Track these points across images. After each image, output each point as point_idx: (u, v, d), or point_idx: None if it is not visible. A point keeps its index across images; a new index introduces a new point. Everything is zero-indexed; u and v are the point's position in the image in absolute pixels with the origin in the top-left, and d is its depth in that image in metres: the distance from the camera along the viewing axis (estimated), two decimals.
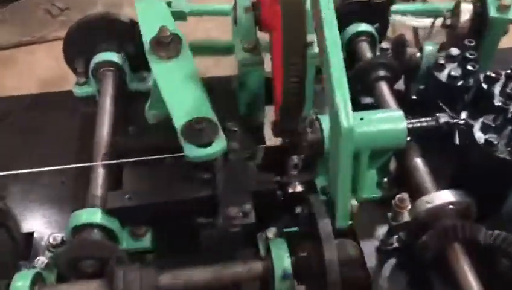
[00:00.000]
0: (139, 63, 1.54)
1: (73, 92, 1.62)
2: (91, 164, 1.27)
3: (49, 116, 1.63)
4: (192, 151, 1.12)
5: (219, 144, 1.14)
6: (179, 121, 1.18)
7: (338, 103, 1.00)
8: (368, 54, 1.54)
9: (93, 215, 1.16)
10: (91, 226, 1.16)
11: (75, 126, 1.59)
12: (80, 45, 1.59)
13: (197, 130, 1.13)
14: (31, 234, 1.31)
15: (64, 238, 1.20)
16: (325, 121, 1.22)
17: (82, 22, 1.58)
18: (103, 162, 1.27)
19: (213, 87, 1.33)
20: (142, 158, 1.22)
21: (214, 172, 1.16)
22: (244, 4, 1.31)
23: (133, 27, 1.54)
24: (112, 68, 1.57)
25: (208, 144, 1.14)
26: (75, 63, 1.63)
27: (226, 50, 1.61)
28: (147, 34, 1.35)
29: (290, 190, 1.16)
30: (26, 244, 1.27)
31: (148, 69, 1.40)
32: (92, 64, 1.56)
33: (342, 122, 1.00)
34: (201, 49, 1.65)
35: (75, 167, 1.42)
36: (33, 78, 3.09)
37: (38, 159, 1.50)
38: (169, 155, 1.21)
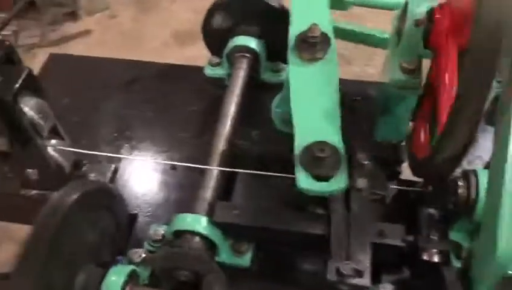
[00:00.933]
0: (278, 53, 1.40)
1: (204, 72, 1.53)
2: (204, 167, 1.18)
3: (176, 90, 1.56)
4: (305, 182, 0.96)
5: (339, 182, 0.97)
6: (300, 140, 1.02)
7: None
8: None
9: (198, 223, 1.07)
10: (194, 233, 1.08)
11: (200, 106, 1.51)
12: (220, 22, 1.49)
13: (317, 158, 0.97)
14: (135, 216, 1.26)
15: (165, 235, 1.14)
16: (483, 177, 1.00)
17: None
18: (218, 168, 1.17)
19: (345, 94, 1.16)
20: (259, 172, 1.10)
21: (329, 209, 1.01)
22: (416, 16, 1.10)
23: (282, 14, 1.40)
24: (248, 54, 1.45)
25: (326, 178, 0.98)
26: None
27: (380, 41, 1.41)
28: (296, 27, 1.19)
29: (425, 257, 0.96)
30: (129, 228, 1.22)
31: (286, 61, 1.26)
32: (228, 47, 1.46)
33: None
34: (348, 34, 1.46)
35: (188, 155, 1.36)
36: (169, 27, 3.12)
37: (155, 132, 1.45)
38: (287, 175, 1.07)
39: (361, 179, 1.01)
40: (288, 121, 1.16)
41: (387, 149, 1.19)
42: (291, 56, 1.19)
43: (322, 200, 1.02)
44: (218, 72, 1.52)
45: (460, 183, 1.02)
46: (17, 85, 1.10)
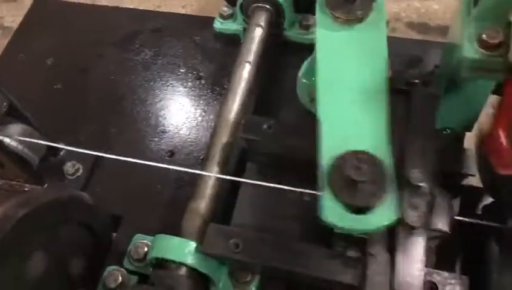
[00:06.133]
0: (309, 2, 1.05)
1: (213, 26, 1.21)
2: (193, 171, 0.89)
3: (178, 49, 1.25)
4: (333, 213, 0.67)
5: (384, 216, 0.67)
6: (327, 147, 0.72)
7: None
8: None
9: (183, 251, 0.80)
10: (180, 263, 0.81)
11: (207, 71, 1.19)
12: None
13: (352, 180, 0.66)
14: (118, 219, 1.01)
15: (147, 255, 0.89)
16: None
17: None
18: (215, 175, 0.87)
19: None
20: (269, 184, 0.80)
21: (365, 251, 0.71)
22: None
23: None
24: (267, 5, 1.11)
25: (365, 208, 0.68)
26: None
27: None
28: None
29: None
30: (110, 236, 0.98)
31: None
32: None
33: None
34: None
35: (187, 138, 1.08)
36: None
37: (150, 109, 1.16)
38: (312, 192, 0.77)
39: (414, 210, 0.70)
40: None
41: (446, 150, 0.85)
42: (319, 14, 0.86)
43: (358, 238, 0.72)
44: (231, 26, 1.19)
45: None
46: None
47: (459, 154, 0.84)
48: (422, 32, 1.97)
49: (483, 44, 0.74)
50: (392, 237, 0.70)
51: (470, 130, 0.97)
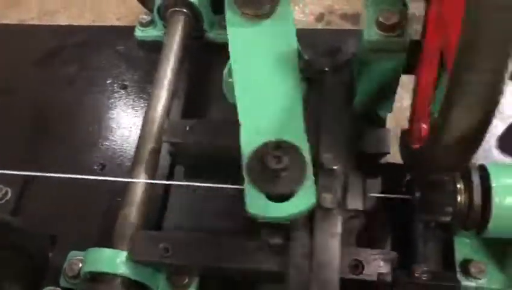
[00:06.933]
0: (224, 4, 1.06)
1: (135, 34, 1.20)
2: (121, 179, 0.88)
3: (100, 60, 1.24)
4: (256, 205, 0.69)
5: (303, 201, 0.69)
6: (246, 140, 0.74)
7: None
8: None
9: (116, 263, 0.79)
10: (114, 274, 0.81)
11: (132, 79, 1.19)
12: None
13: (271, 172, 0.68)
14: (54, 239, 0.99)
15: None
16: (499, 178, 0.71)
17: None
18: (143, 181, 0.87)
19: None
20: (196, 184, 0.81)
21: (289, 237, 0.73)
22: None
23: None
24: (184, 9, 1.11)
25: (286, 196, 0.70)
26: None
27: None
28: None
29: None
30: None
31: None
32: (157, 1, 1.11)
33: None
34: None
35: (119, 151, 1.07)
36: None
37: (76, 122, 1.15)
38: (235, 187, 0.78)
39: (328, 192, 0.72)
40: None
41: (366, 132, 0.88)
42: (228, 12, 0.87)
43: (281, 225, 0.74)
44: (151, 33, 1.19)
45: (459, 185, 0.73)
46: None
47: (377, 135, 0.87)
48: (356, 23, 2.01)
49: (381, 26, 0.77)
50: (312, 221, 0.72)
51: (389, 111, 1.01)
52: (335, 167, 0.73)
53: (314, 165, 0.72)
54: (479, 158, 1.01)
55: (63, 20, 1.83)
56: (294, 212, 0.70)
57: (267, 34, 0.86)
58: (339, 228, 0.71)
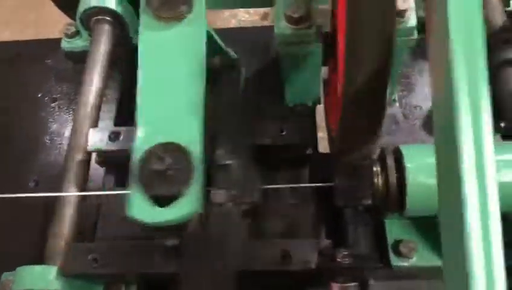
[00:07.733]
0: None
1: (61, 46, 1.19)
2: (55, 194, 0.87)
3: (29, 75, 1.21)
4: (139, 209, 0.69)
5: (187, 204, 0.69)
6: (140, 142, 0.74)
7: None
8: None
9: (47, 279, 0.78)
10: None
11: (62, 93, 1.17)
12: None
13: (157, 174, 0.68)
14: None
15: None
16: (413, 158, 0.73)
17: None
18: (72, 194, 0.86)
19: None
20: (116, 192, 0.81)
21: (183, 237, 0.73)
22: None
23: None
24: (107, 17, 1.10)
25: (173, 198, 0.69)
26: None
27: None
28: None
29: None
30: None
31: None
32: (79, 9, 1.10)
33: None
34: None
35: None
36: None
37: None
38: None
39: (221, 188, 0.72)
40: None
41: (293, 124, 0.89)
42: (142, 15, 0.87)
43: (175, 226, 0.74)
44: (78, 44, 1.17)
45: (375, 168, 0.75)
46: None
47: (300, 126, 0.88)
48: None
49: (289, 20, 0.78)
50: (207, 217, 0.73)
51: (319, 103, 1.02)
52: (227, 162, 0.73)
53: (208, 163, 0.73)
54: (407, 141, 1.04)
55: (5, 37, 1.78)
56: (181, 215, 0.69)
57: (175, 37, 0.85)
58: (235, 222, 0.71)
